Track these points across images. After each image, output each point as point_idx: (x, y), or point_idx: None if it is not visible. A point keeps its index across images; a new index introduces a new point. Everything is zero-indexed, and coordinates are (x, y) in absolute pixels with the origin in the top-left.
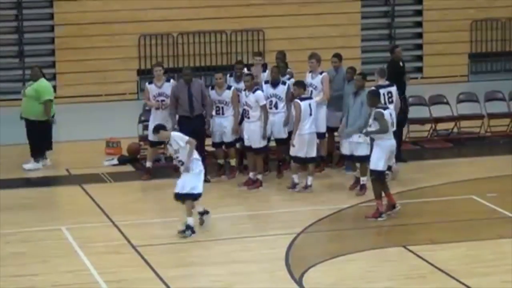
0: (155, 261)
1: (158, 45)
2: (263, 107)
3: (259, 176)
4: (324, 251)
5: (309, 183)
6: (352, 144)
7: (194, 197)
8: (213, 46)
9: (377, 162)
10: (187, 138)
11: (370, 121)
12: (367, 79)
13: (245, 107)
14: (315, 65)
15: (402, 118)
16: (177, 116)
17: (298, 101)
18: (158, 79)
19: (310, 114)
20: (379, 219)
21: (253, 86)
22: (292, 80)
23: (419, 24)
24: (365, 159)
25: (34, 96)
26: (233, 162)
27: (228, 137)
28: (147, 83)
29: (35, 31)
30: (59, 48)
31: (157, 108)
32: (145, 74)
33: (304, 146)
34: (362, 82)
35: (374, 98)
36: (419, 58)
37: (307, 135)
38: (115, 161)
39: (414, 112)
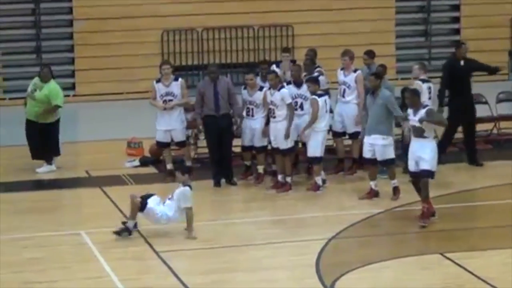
0: (179, 268)
1: (182, 41)
2: (289, 106)
3: (288, 179)
4: (357, 258)
5: (319, 182)
6: (376, 147)
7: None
8: (240, 42)
9: (433, 162)
10: (190, 204)
11: (415, 123)
12: (382, 77)
13: (271, 106)
14: (348, 62)
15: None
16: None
17: (316, 97)
18: (166, 78)
19: (327, 111)
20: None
21: (278, 84)
22: (322, 77)
23: (456, 20)
24: (392, 162)
25: (45, 101)
26: (260, 169)
27: (258, 141)
28: (154, 82)
29: (53, 26)
30: (78, 44)
31: (164, 109)
32: None
33: (320, 145)
34: (375, 82)
35: (414, 96)
36: None
37: (322, 133)
38: (137, 162)
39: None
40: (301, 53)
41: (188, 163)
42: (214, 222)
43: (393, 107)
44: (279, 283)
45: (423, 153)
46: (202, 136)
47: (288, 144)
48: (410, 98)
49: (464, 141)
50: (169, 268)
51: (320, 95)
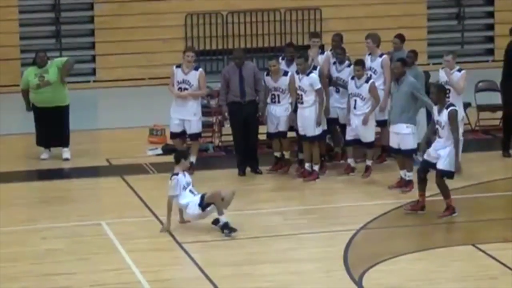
0: (202, 259)
1: (206, 25)
2: (319, 91)
3: (316, 167)
4: (386, 250)
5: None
6: (399, 137)
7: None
8: (266, 25)
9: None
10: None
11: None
12: (409, 64)
13: (299, 92)
14: (371, 46)
15: None
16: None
17: (374, 82)
18: (187, 65)
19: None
20: (453, 215)
21: (307, 69)
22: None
23: (490, 2)
24: (411, 152)
25: (57, 81)
26: (287, 154)
27: (283, 126)
28: (174, 66)
29: (73, 9)
30: (99, 28)
31: (178, 96)
32: None
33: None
34: (401, 69)
35: (440, 93)
36: (490, 39)
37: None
38: (159, 151)
39: (484, 98)
40: (330, 38)
41: (193, 159)
42: (239, 212)
43: (420, 93)
44: (306, 276)
45: (443, 151)
46: (226, 124)
47: (316, 131)
48: (436, 94)
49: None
50: (192, 259)
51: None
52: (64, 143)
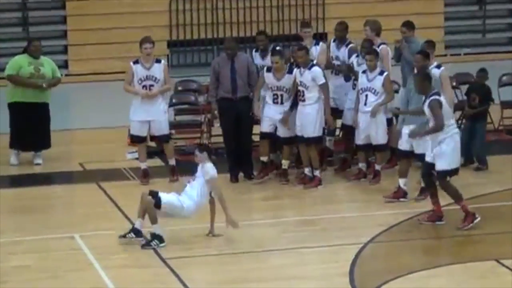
0: (189, 277)
1: (193, 11)
2: (323, 86)
3: (317, 173)
4: (398, 265)
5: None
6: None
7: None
8: (261, 12)
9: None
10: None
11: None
12: (430, 57)
13: (300, 88)
14: (370, 34)
15: None
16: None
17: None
18: (147, 59)
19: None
20: (475, 221)
21: (308, 62)
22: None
23: None
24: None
25: (50, 77)
26: (286, 164)
27: (284, 131)
28: (131, 62)
29: None
30: (72, 15)
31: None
32: (177, 47)
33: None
34: (423, 62)
35: (424, 82)
36: None
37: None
38: None
39: (508, 93)
40: (333, 25)
41: (172, 162)
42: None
43: (439, 88)
44: None
45: (440, 148)
46: (216, 123)
47: (316, 132)
48: (419, 83)
49: None
50: (178, 278)
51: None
52: (47, 144)
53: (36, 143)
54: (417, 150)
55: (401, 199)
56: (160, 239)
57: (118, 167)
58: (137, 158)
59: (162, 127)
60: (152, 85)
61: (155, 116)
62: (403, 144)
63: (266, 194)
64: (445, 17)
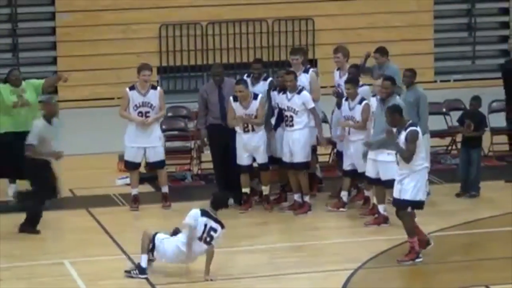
0: None
1: (183, 37)
2: (313, 110)
3: (307, 198)
4: None
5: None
6: (380, 165)
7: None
8: (251, 38)
9: (418, 192)
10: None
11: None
12: (408, 84)
13: (287, 113)
14: (341, 60)
15: None
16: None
17: (369, 102)
18: (143, 85)
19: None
20: (417, 260)
21: (296, 86)
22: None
23: (505, 11)
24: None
25: (36, 103)
26: (266, 190)
27: (262, 157)
28: (127, 89)
29: (32, 20)
30: (61, 41)
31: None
32: (167, 73)
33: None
34: (391, 88)
35: (394, 114)
36: (505, 53)
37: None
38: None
39: (498, 120)
40: (323, 51)
41: (164, 189)
42: (219, 250)
43: (408, 114)
44: None
45: (406, 181)
46: (206, 149)
47: (305, 157)
48: (390, 116)
49: None
50: None
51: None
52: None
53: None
54: (360, 169)
55: (382, 225)
56: (142, 270)
57: (107, 193)
58: (127, 184)
59: (157, 153)
60: (148, 112)
61: (151, 142)
62: (370, 171)
63: (254, 220)
64: (435, 44)
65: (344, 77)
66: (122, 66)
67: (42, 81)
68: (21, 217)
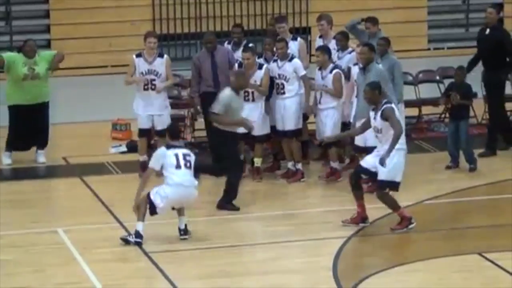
0: (172, 271)
1: (177, 5)
2: (304, 78)
3: (299, 166)
4: (381, 259)
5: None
6: (368, 135)
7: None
8: (244, 6)
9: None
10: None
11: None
12: (381, 53)
13: (278, 81)
14: (325, 28)
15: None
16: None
17: (340, 71)
18: (150, 53)
19: None
20: (410, 226)
21: (287, 54)
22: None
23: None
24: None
25: (46, 76)
26: (259, 161)
27: (260, 129)
28: (134, 56)
29: None
30: (54, 9)
31: (145, 89)
32: (160, 41)
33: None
34: (369, 54)
35: (374, 91)
36: (499, 21)
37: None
38: (124, 148)
39: None
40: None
41: (143, 158)
42: (212, 217)
43: (387, 84)
44: None
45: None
46: (199, 117)
47: (297, 124)
48: (368, 93)
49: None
50: (161, 271)
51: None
52: (45, 143)
53: (32, 142)
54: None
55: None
56: (138, 234)
57: (101, 161)
58: (121, 152)
59: (163, 121)
60: (153, 79)
61: (157, 110)
62: (359, 140)
63: (248, 188)
64: (429, 11)
65: (331, 44)
66: (115, 34)
67: (54, 52)
68: (14, 185)
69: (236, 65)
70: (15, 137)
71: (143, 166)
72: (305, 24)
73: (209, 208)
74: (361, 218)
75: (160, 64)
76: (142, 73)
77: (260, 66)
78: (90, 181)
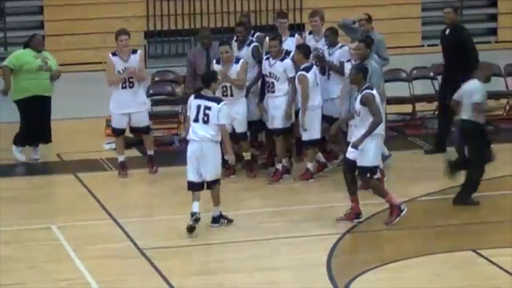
0: (166, 268)
1: (171, 1)
2: (292, 80)
3: (279, 166)
4: (375, 256)
5: (311, 169)
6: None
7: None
8: (238, 2)
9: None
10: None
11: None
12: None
13: (269, 79)
14: (319, 24)
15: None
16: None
17: (304, 73)
18: (124, 51)
19: (317, 84)
20: (403, 214)
21: (280, 52)
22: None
23: None
24: None
25: (55, 70)
26: (248, 155)
27: (241, 126)
28: (110, 54)
29: None
30: (49, 5)
31: (123, 87)
32: (154, 37)
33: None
34: (364, 50)
35: (359, 74)
36: (493, 17)
37: (319, 109)
38: None
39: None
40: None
41: (150, 153)
42: (205, 214)
43: (379, 81)
44: (284, 286)
45: (364, 144)
46: None
47: (285, 123)
48: (353, 71)
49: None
50: (155, 268)
51: (308, 69)
52: (49, 138)
53: (40, 137)
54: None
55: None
56: (227, 219)
57: (95, 157)
58: (115, 149)
59: (142, 119)
60: (131, 77)
61: (135, 108)
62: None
63: (242, 185)
64: (422, 8)
65: (321, 41)
66: (109, 31)
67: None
68: (8, 181)
69: (214, 61)
70: (27, 131)
71: (123, 166)
72: (299, 21)
73: (202, 205)
74: (354, 213)
75: (135, 61)
76: (119, 71)
77: (237, 60)
78: (84, 177)
